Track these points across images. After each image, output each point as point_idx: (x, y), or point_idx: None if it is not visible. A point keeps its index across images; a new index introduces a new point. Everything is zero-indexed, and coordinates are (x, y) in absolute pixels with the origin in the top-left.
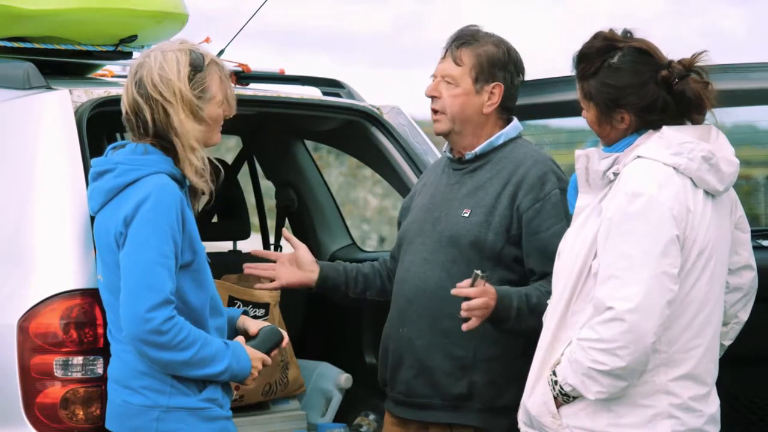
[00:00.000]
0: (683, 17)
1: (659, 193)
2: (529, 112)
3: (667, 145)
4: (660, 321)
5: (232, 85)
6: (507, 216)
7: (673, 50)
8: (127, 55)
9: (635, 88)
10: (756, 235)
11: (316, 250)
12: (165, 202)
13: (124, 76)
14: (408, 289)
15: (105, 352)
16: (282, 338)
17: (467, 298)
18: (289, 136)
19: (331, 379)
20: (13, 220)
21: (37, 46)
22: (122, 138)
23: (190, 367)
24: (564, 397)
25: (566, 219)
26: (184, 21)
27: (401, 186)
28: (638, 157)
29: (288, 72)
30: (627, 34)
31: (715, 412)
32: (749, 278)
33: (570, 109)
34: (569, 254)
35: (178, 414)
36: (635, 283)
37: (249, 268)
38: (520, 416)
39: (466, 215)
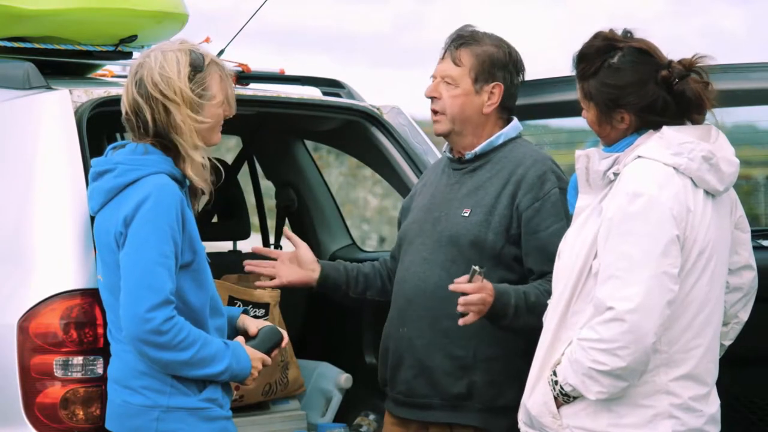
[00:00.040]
0: (683, 17)
1: (659, 193)
2: (529, 112)
3: (667, 145)
4: (660, 321)
5: (233, 85)
6: (507, 215)
7: (673, 50)
8: (127, 55)
9: (635, 87)
10: (756, 235)
11: (316, 250)
12: (165, 202)
13: (124, 76)
14: (408, 288)
15: (105, 352)
16: (282, 338)
17: (465, 295)
18: (289, 136)
19: (331, 379)
20: (13, 220)
21: (37, 46)
22: (122, 138)
23: (190, 367)
24: (564, 397)
25: (566, 218)
26: (184, 21)
27: (401, 186)
28: (638, 157)
29: (288, 72)
30: (627, 34)
31: (716, 412)
32: (749, 278)
33: (570, 109)
34: (569, 254)
35: (178, 414)
36: (636, 284)
37: (249, 265)
38: (521, 416)
39: (466, 215)
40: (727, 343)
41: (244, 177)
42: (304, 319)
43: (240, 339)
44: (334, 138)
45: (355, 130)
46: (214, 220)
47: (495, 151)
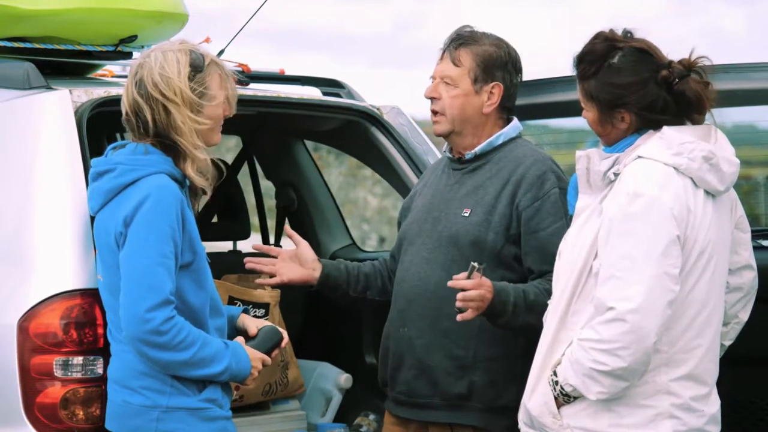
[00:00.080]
0: (683, 17)
1: (660, 193)
2: (529, 112)
3: (667, 146)
4: (661, 321)
5: (234, 85)
6: (507, 215)
7: (673, 50)
8: (127, 55)
9: (636, 87)
10: (756, 235)
11: (316, 251)
12: (165, 203)
13: (124, 76)
14: (408, 288)
15: (105, 352)
16: (282, 338)
17: (464, 291)
18: (289, 136)
19: (331, 379)
20: (13, 220)
21: (37, 46)
22: (122, 138)
23: (190, 368)
24: (565, 398)
25: (565, 218)
26: (184, 21)
27: (401, 186)
28: (639, 157)
29: (288, 72)
30: (627, 34)
31: (716, 412)
32: (749, 278)
33: (570, 109)
34: (570, 254)
35: (178, 414)
36: (636, 284)
37: (250, 262)
38: (521, 416)
39: (466, 215)
40: (728, 343)
41: (244, 177)
42: (303, 319)
43: (240, 339)
44: (334, 138)
45: (355, 130)
46: (214, 220)
47: (495, 151)
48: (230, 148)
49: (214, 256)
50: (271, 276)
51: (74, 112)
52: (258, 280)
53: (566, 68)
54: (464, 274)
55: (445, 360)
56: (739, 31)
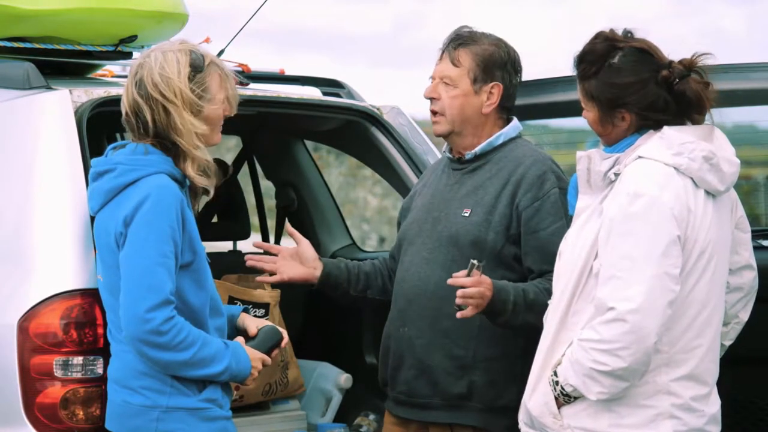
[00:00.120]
0: (683, 17)
1: (660, 193)
2: (529, 112)
3: (668, 146)
4: (661, 321)
5: (235, 85)
6: (507, 215)
7: (673, 50)
8: (127, 55)
9: (636, 87)
10: (756, 235)
11: (316, 250)
12: (165, 203)
13: (124, 76)
14: (408, 288)
15: (105, 352)
16: (282, 338)
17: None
18: (289, 136)
19: (331, 379)
20: (13, 220)
21: (37, 46)
22: (122, 138)
23: (190, 368)
24: (565, 398)
25: (565, 218)
26: (184, 21)
27: (401, 186)
28: (639, 157)
29: (288, 72)
30: (628, 34)
31: (716, 412)
32: (750, 278)
33: (570, 109)
34: (570, 254)
35: (178, 414)
36: (637, 284)
37: (251, 260)
38: (521, 416)
39: (467, 215)
40: (728, 343)
41: (244, 177)
42: (304, 318)
43: (240, 339)
44: (334, 138)
45: (355, 130)
46: (214, 220)
47: (495, 151)
48: (230, 148)
49: (214, 256)
50: (272, 274)
51: (74, 112)
52: (258, 278)
53: (566, 68)
54: (464, 271)
55: (445, 360)
56: (739, 31)
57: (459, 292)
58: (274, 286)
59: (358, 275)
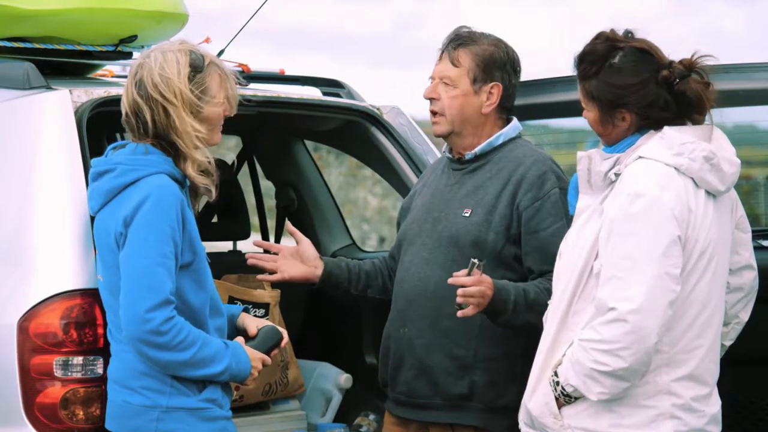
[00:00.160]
0: (683, 17)
1: (661, 193)
2: (529, 112)
3: (668, 146)
4: (662, 322)
5: (235, 85)
6: (507, 215)
7: (673, 50)
8: (127, 55)
9: (636, 87)
10: (756, 235)
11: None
12: (165, 203)
13: (124, 76)
14: (408, 289)
15: (105, 352)
16: (281, 338)
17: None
18: (289, 136)
19: (331, 379)
20: (13, 220)
21: (37, 46)
22: (122, 138)
23: (190, 368)
24: (566, 398)
25: (566, 218)
26: (184, 21)
27: (401, 186)
28: (640, 157)
29: (288, 72)
30: (628, 34)
31: (717, 412)
32: (750, 278)
33: (570, 109)
34: (570, 255)
35: (178, 414)
36: (637, 284)
37: (252, 258)
38: (522, 417)
39: (467, 215)
40: (728, 343)
41: (244, 177)
42: (304, 318)
43: (240, 339)
44: (334, 138)
45: (355, 130)
46: (214, 220)
47: (495, 151)
48: (230, 148)
49: (214, 256)
50: (273, 273)
51: (74, 112)
52: (259, 277)
53: (566, 68)
54: (464, 270)
55: (445, 360)
56: (739, 31)
57: (459, 291)
58: (274, 285)
59: (359, 274)
